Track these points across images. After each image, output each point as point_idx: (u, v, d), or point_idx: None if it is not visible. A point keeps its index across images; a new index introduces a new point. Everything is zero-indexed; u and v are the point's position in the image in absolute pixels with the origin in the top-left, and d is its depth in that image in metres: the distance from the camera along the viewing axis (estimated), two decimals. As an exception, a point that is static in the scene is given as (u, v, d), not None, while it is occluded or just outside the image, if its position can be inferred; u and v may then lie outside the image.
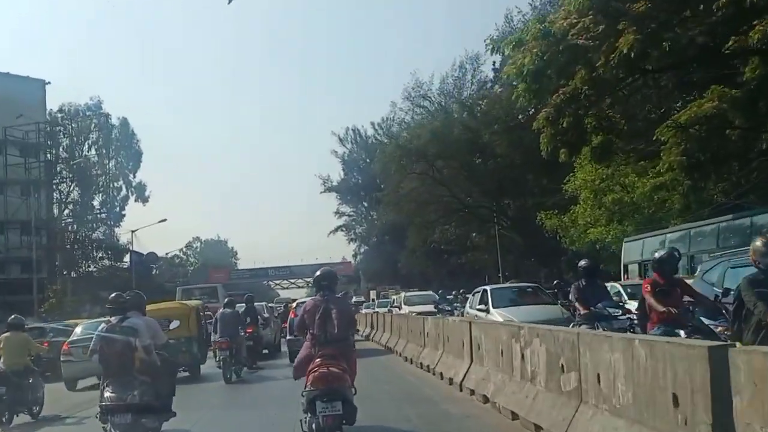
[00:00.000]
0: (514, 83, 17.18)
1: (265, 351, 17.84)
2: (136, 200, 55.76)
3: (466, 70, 40.10)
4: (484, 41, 17.00)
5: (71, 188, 51.34)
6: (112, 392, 6.02)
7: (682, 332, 5.41)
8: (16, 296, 37.67)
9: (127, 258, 49.73)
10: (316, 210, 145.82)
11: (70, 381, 15.33)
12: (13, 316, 10.35)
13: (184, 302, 17.36)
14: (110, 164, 54.72)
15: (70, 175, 48.96)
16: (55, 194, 50.44)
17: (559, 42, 13.28)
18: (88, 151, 52.23)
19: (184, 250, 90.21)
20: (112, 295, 6.87)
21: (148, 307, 7.85)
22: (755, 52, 13.03)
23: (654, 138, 18.46)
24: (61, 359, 15.45)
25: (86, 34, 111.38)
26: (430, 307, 21.67)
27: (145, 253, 49.35)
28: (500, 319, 11.07)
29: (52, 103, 50.46)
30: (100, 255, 50.39)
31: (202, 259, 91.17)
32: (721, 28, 13.88)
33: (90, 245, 50.94)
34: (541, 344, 5.21)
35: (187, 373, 13.81)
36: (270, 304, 27.28)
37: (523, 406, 5.54)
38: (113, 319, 6.49)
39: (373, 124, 66.54)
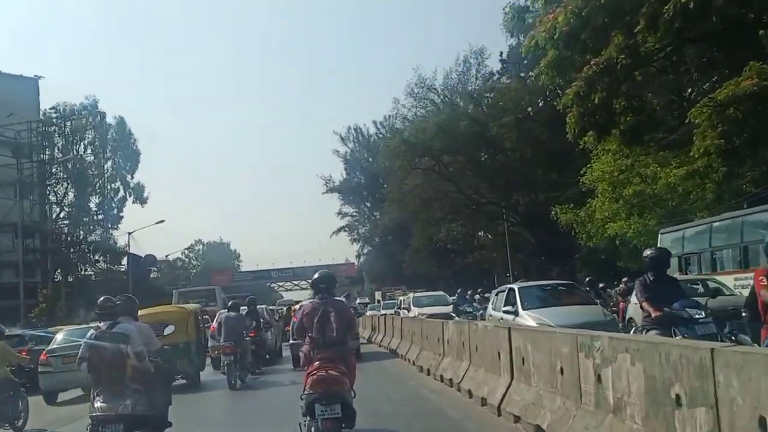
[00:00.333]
0: (538, 58, 15.81)
1: (266, 356, 17.02)
2: (134, 202, 54.41)
3: (470, 64, 38.65)
4: (503, 9, 15.50)
5: (67, 189, 49.94)
6: (102, 402, 5.74)
7: None
8: (10, 301, 36.34)
9: (125, 261, 48.25)
10: (319, 211, 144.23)
11: (49, 394, 14.21)
12: None
13: (181, 306, 16.59)
14: (107, 165, 53.34)
15: (66, 176, 47.45)
16: (51, 196, 49.11)
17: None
18: (83, 152, 50.79)
19: (187, 252, 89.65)
20: (101, 299, 6.46)
21: (143, 312, 7.64)
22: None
23: (687, 120, 16.95)
24: (39, 370, 14.21)
25: (82, 31, 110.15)
26: (442, 309, 19.98)
27: (143, 255, 47.94)
28: (532, 323, 9.53)
29: (47, 103, 49.19)
30: (97, 258, 48.89)
31: (205, 262, 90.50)
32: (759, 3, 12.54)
33: (87, 248, 49.54)
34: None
35: (185, 381, 13.22)
36: (271, 307, 25.81)
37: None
38: (102, 325, 6.17)
39: (375, 122, 65.38)
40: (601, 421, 4.09)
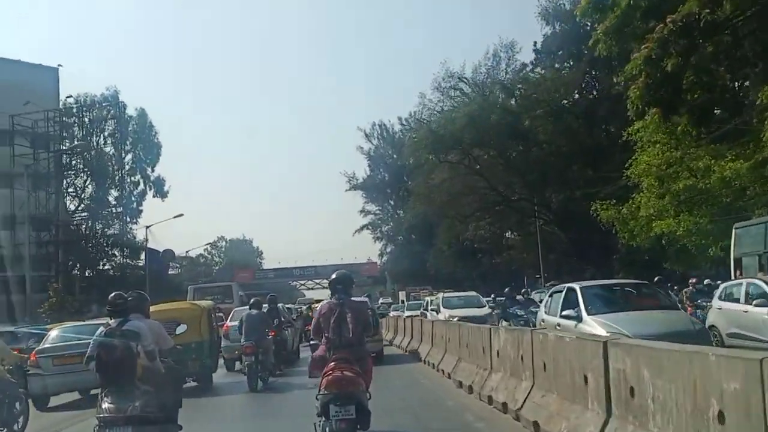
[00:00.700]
0: (578, 43, 13.97)
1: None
2: (154, 195, 53.64)
3: (500, 58, 36.47)
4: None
5: (86, 183, 49.04)
6: (110, 403, 5.59)
7: None
8: (23, 295, 35.30)
9: (143, 256, 47.14)
10: (342, 209, 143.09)
11: (39, 398, 12.70)
12: None
13: (194, 303, 15.19)
14: (127, 157, 52.42)
15: (84, 168, 46.47)
16: (69, 189, 48.24)
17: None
18: (103, 143, 49.87)
19: (209, 249, 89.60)
20: (112, 295, 6.24)
21: (154, 309, 7.33)
22: None
23: (758, 101, 14.87)
24: (28, 372, 12.73)
25: (104, 21, 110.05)
26: (475, 311, 17.97)
27: (161, 250, 46.85)
28: (602, 332, 7.62)
29: (67, 93, 48.30)
30: (113, 252, 47.89)
31: (228, 259, 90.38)
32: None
33: (105, 242, 48.58)
34: None
35: (195, 384, 12.68)
36: (288, 305, 24.24)
37: None
38: (113, 322, 5.96)
39: (400, 118, 63.71)
40: None
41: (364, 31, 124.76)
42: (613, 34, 11.50)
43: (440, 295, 20.88)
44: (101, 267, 46.67)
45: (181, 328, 8.96)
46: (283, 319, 15.86)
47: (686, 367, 3.28)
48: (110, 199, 49.71)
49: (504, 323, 14.87)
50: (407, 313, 30.35)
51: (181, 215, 41.53)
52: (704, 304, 12.43)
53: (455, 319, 16.89)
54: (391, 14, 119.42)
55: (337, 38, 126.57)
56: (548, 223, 39.11)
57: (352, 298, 6.44)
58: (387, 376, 12.38)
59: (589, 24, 38.65)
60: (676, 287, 19.92)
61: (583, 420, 4.63)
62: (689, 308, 12.57)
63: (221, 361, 15.88)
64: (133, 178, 52.66)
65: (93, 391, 12.51)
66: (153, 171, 53.92)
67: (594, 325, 8.23)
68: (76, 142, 46.21)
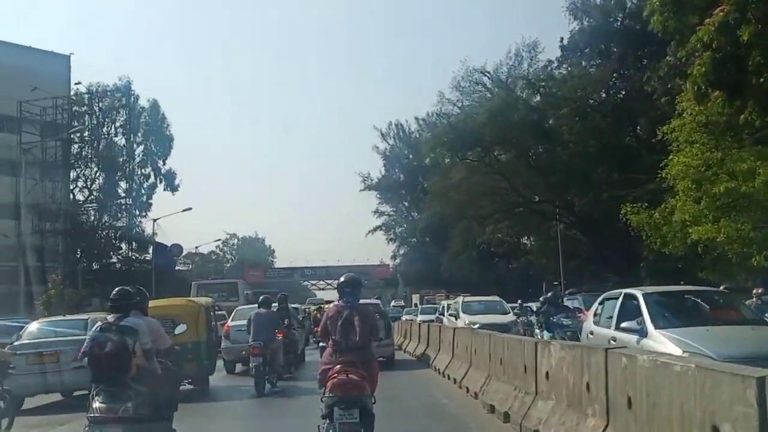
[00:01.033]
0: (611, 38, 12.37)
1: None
2: (165, 189, 52.46)
3: (522, 58, 34.65)
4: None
5: (96, 174, 48.04)
6: (102, 402, 5.31)
7: None
8: (27, 286, 34.25)
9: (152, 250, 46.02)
10: (355, 209, 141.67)
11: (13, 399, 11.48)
12: None
13: (191, 299, 14.18)
14: (138, 149, 51.44)
15: (92, 157, 45.42)
16: (79, 180, 47.28)
17: None
18: (114, 134, 48.88)
19: (221, 246, 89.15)
20: (117, 289, 5.96)
21: (149, 305, 6.73)
22: None
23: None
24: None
25: (120, 11, 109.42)
26: (499, 318, 16.35)
27: (169, 245, 45.74)
28: (675, 350, 5.98)
29: (79, 83, 47.17)
30: (120, 245, 46.83)
31: (239, 257, 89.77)
32: None
33: (114, 234, 47.56)
34: None
35: (192, 387, 11.98)
36: (294, 305, 22.89)
37: None
38: (110, 318, 5.73)
39: (417, 118, 62.29)
40: None
41: (382, 29, 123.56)
42: (670, 5, 9.94)
43: (459, 299, 19.08)
44: (107, 260, 45.52)
45: (181, 328, 8.83)
46: (293, 319, 15.16)
47: None
48: (119, 191, 48.62)
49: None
50: (420, 318, 28.84)
51: (190, 209, 40.52)
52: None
53: (476, 326, 15.32)
54: (410, 12, 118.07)
55: (355, 36, 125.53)
56: (570, 227, 37.37)
57: (362, 301, 6.43)
58: (398, 386, 11.04)
59: (619, 19, 37.30)
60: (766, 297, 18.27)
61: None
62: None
63: (221, 363, 15.08)
64: (143, 171, 51.65)
65: (77, 393, 11.48)
66: (164, 164, 52.90)
67: (665, 342, 6.52)
68: (87, 133, 45.32)
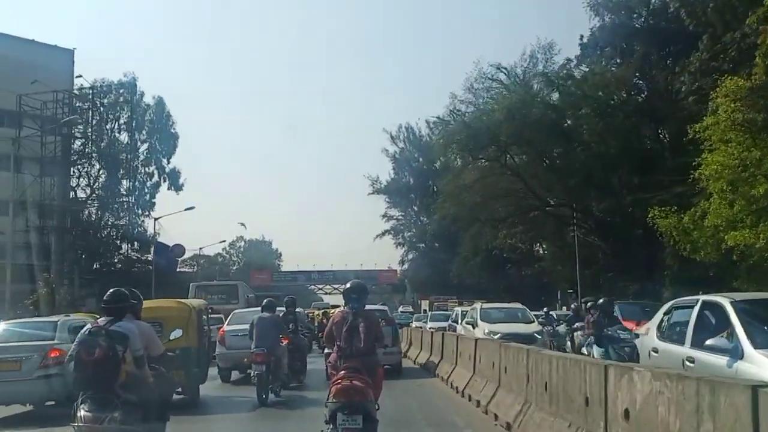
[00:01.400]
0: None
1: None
2: (168, 188, 51.30)
3: (537, 60, 33.14)
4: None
5: (99, 172, 46.88)
6: (87, 411, 5.07)
7: None
8: (21, 285, 32.98)
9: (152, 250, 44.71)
10: (363, 213, 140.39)
11: None
12: None
13: (181, 301, 12.62)
14: (142, 147, 50.30)
15: (92, 153, 44.23)
16: (81, 178, 46.12)
17: None
18: (118, 131, 47.75)
19: (227, 248, 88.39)
20: (112, 291, 5.62)
21: None
22: None
23: None
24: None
25: (126, 5, 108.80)
26: (522, 328, 14.63)
27: (171, 245, 44.42)
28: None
29: (82, 79, 46.06)
30: (119, 244, 45.58)
31: (246, 259, 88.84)
32: None
33: (116, 233, 46.36)
34: None
35: (182, 396, 10.98)
36: (297, 309, 21.49)
37: None
38: (101, 321, 5.44)
39: (428, 122, 60.88)
40: None
41: (393, 30, 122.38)
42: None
43: (477, 305, 17.27)
44: (107, 260, 44.26)
45: (176, 333, 8.33)
46: (301, 324, 14.56)
47: None
48: (122, 189, 47.43)
49: (594, 350, 10.51)
50: (430, 325, 27.24)
51: (192, 207, 39.15)
52: None
53: (496, 335, 13.75)
54: (421, 12, 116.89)
55: (366, 37, 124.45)
56: (588, 233, 35.73)
57: (369, 307, 6.54)
58: (407, 404, 9.50)
59: (643, 16, 35.75)
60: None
61: None
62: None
63: (214, 371, 14.13)
64: (147, 169, 50.53)
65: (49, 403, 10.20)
66: (168, 163, 51.80)
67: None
68: (90, 130, 44.18)
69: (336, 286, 72.44)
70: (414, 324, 28.90)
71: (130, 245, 46.40)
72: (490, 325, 15.12)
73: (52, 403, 10.10)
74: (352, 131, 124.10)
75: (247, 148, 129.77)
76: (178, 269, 54.74)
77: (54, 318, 11.81)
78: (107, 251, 45.01)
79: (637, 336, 9.29)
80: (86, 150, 44.73)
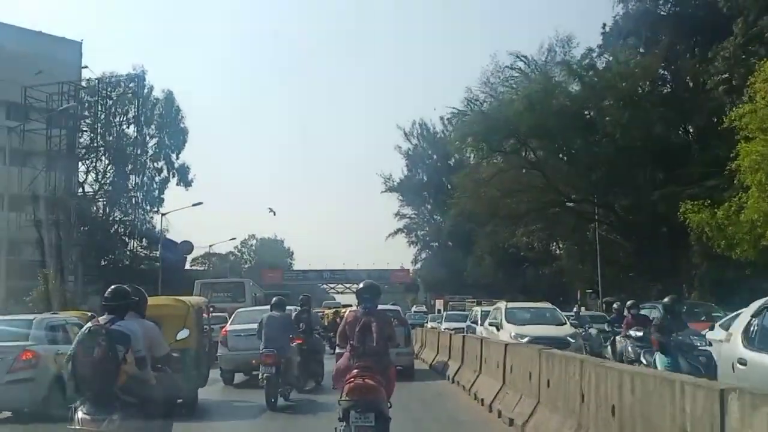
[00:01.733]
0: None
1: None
2: (177, 183, 50.29)
3: (555, 53, 31.55)
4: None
5: (107, 167, 46.01)
6: (85, 414, 4.87)
7: None
8: (24, 281, 32.19)
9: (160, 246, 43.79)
10: (375, 211, 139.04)
11: None
12: None
13: (179, 298, 11.69)
14: (151, 142, 49.39)
15: (98, 146, 43.32)
16: (90, 173, 45.30)
17: None
18: (126, 125, 46.82)
19: (239, 247, 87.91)
20: (113, 287, 5.27)
21: None
22: None
23: None
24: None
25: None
26: (554, 331, 13.05)
27: (179, 242, 43.55)
28: None
29: (88, 70, 45.22)
30: (127, 240, 44.67)
31: (257, 258, 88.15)
32: None
33: (124, 229, 45.49)
34: None
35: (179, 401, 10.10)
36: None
37: None
38: (102, 319, 5.10)
39: (442, 118, 59.48)
40: None
41: (407, 26, 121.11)
42: None
43: (501, 305, 15.63)
44: (114, 256, 43.35)
45: (183, 333, 8.05)
46: (316, 324, 13.71)
47: None
48: (130, 184, 46.47)
49: (658, 359, 8.62)
50: (446, 325, 25.89)
51: (200, 203, 38.21)
52: None
53: (524, 339, 12.41)
54: (435, 7, 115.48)
55: (380, 32, 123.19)
56: (611, 230, 34.27)
57: (380, 307, 6.58)
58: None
59: (670, 2, 34.28)
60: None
61: None
62: None
63: (216, 374, 13.42)
64: (156, 164, 49.55)
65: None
66: (178, 158, 50.74)
67: None
68: (98, 124, 43.35)
69: (348, 285, 71.72)
70: (429, 325, 27.57)
71: (137, 242, 45.49)
72: (516, 327, 13.55)
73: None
74: (364, 128, 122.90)
75: (259, 145, 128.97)
76: (189, 267, 54.02)
77: (30, 316, 10.79)
78: (114, 247, 44.10)
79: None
80: (94, 144, 43.90)
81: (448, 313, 31.92)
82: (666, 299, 9.39)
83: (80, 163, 43.29)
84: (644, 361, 9.37)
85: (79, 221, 37.75)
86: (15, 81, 36.40)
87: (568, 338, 13.00)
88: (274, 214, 73.89)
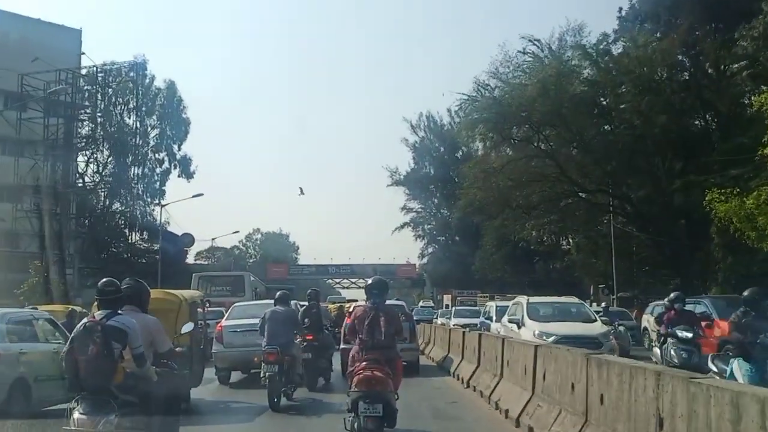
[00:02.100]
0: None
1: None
2: (179, 175, 49.32)
3: (566, 42, 30.12)
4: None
5: (108, 158, 45.00)
6: (81, 413, 4.75)
7: None
8: (18, 274, 31.23)
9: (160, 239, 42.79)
10: (381, 205, 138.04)
11: None
12: None
13: (171, 291, 10.93)
14: (153, 133, 48.38)
15: (95, 137, 42.27)
16: (90, 164, 44.28)
17: None
18: (127, 116, 45.79)
19: (244, 241, 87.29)
20: (102, 281, 5.20)
21: None
22: None
23: None
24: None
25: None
26: (583, 329, 11.50)
27: (180, 234, 42.54)
28: None
29: (87, 58, 44.10)
30: (126, 233, 43.68)
31: (263, 252, 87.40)
32: None
33: (123, 221, 44.52)
34: None
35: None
36: (302, 302, 19.52)
37: None
38: (98, 315, 5.04)
39: (449, 110, 58.20)
40: None
41: (414, 18, 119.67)
42: None
43: (521, 300, 13.99)
44: (114, 248, 42.38)
45: (188, 327, 8.06)
46: (326, 319, 13.00)
47: None
48: (130, 175, 45.44)
49: (738, 366, 6.76)
50: (455, 321, 24.79)
51: (201, 194, 37.16)
52: None
53: (550, 339, 11.13)
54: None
55: (387, 23, 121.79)
56: (626, 222, 32.97)
57: (387, 302, 6.90)
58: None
59: (689, -15, 32.81)
60: None
61: None
62: None
63: (211, 372, 12.79)
64: (157, 155, 48.55)
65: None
66: (179, 149, 49.76)
67: None
68: (98, 113, 42.31)
69: (353, 280, 70.92)
70: (439, 320, 26.42)
71: (138, 234, 44.52)
72: (540, 324, 12.14)
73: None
74: (370, 120, 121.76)
75: (262, 138, 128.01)
76: (193, 261, 53.16)
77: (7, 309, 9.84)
78: (114, 239, 43.11)
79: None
80: (94, 134, 42.87)
81: (457, 308, 30.81)
82: (746, 292, 7.44)
83: (80, 154, 42.30)
84: (714, 368, 7.61)
85: (78, 213, 36.72)
86: (12, 69, 35.36)
87: (601, 338, 11.54)
88: (303, 193, 73.84)
